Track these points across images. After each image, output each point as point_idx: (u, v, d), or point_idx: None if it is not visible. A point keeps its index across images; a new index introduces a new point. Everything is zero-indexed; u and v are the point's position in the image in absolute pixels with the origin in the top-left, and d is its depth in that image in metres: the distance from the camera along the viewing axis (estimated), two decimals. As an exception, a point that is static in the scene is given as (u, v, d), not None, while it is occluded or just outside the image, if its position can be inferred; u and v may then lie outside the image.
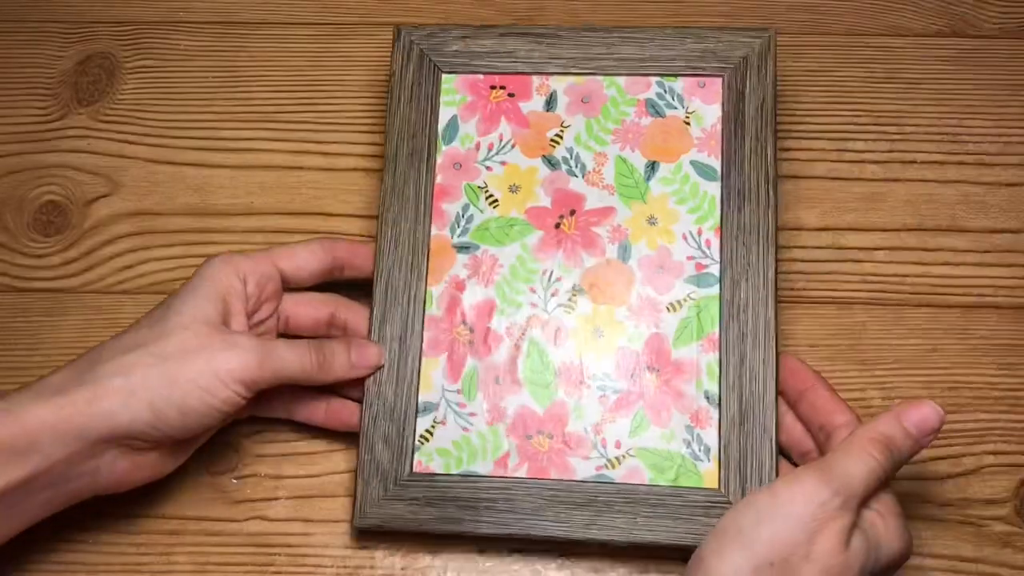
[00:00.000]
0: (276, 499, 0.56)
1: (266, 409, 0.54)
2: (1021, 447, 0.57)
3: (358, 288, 0.56)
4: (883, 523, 0.45)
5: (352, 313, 0.55)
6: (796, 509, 0.43)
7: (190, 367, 0.46)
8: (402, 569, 0.54)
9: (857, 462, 0.44)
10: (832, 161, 0.64)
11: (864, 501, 0.45)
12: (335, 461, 0.56)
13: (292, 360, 0.50)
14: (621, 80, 0.57)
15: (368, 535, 0.54)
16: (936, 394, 0.58)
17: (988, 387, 0.58)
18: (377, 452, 0.52)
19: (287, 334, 0.55)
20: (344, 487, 0.56)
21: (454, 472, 0.52)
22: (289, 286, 0.54)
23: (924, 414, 0.47)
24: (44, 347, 0.60)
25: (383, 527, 0.52)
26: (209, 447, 0.56)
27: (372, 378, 0.53)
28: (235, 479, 0.56)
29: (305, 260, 0.53)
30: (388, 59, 0.59)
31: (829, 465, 0.45)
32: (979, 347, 0.59)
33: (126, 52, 0.67)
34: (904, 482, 0.56)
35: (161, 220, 0.63)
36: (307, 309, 0.54)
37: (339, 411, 0.54)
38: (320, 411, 0.54)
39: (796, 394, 0.52)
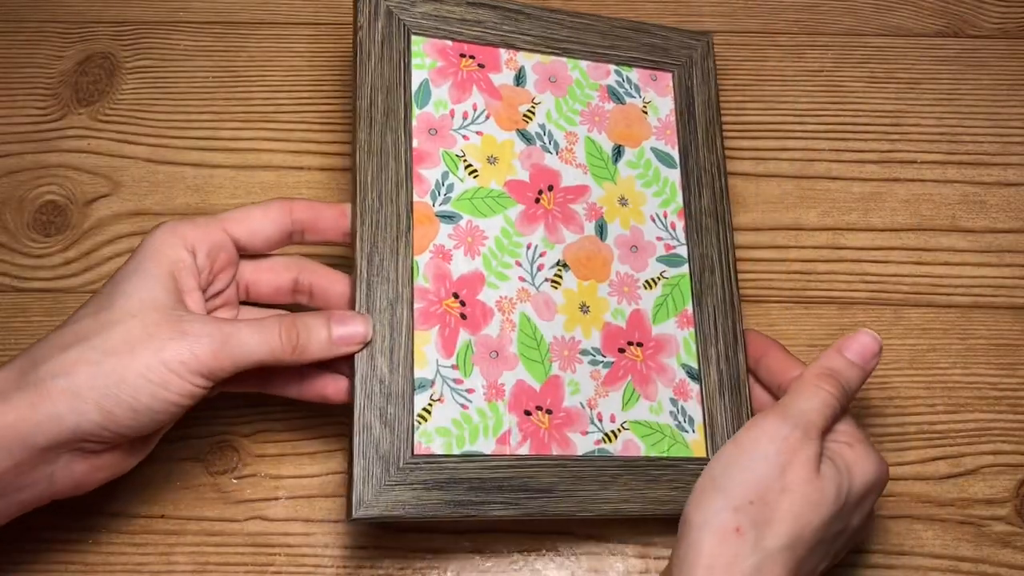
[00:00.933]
0: (276, 499, 0.56)
1: (235, 384, 0.48)
2: (1021, 447, 0.57)
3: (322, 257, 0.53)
4: (851, 450, 0.46)
5: (318, 277, 0.50)
6: (762, 449, 0.44)
7: (138, 361, 0.42)
8: (400, 569, 0.54)
9: (809, 397, 0.46)
10: (831, 161, 0.64)
11: (824, 431, 0.46)
12: (335, 461, 0.56)
13: (257, 344, 0.44)
14: (584, 64, 0.59)
15: (367, 534, 0.54)
16: (936, 394, 0.58)
17: (988, 387, 0.58)
18: (375, 433, 0.47)
19: (250, 303, 0.50)
20: (345, 487, 0.55)
21: (455, 452, 0.49)
22: (246, 253, 0.49)
23: (863, 342, 0.49)
24: (44, 347, 0.60)
25: (386, 516, 0.47)
26: (209, 447, 0.56)
27: (364, 352, 0.48)
28: (235, 479, 0.56)
29: (260, 224, 0.48)
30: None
31: (784, 405, 0.47)
32: (978, 347, 0.59)
33: (126, 52, 0.67)
34: (904, 482, 0.56)
35: (161, 220, 0.63)
36: (268, 275, 0.49)
37: (320, 384, 0.49)
38: (297, 384, 0.50)
39: (754, 362, 0.54)
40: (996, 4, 0.68)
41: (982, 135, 0.65)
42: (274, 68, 0.67)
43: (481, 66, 0.57)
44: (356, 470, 0.47)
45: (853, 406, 0.57)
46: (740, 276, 0.60)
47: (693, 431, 0.53)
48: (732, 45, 0.68)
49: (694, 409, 0.54)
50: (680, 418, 0.53)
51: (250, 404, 0.57)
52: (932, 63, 0.67)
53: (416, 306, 0.50)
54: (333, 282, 0.50)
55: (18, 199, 0.64)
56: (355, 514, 0.46)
